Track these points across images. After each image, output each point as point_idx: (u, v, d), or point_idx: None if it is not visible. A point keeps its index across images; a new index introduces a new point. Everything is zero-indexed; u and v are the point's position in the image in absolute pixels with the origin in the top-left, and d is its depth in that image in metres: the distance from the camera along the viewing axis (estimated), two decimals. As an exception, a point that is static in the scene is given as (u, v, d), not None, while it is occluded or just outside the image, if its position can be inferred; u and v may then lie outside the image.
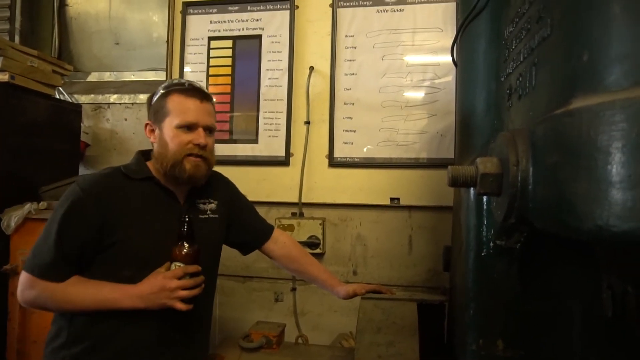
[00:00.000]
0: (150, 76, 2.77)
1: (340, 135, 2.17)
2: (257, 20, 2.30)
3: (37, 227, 1.93)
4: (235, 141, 2.29)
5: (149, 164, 1.33)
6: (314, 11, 2.24)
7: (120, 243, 1.21)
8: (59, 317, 1.24)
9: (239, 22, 2.32)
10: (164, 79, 2.42)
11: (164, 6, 2.57)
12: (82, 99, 2.70)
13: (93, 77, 2.87)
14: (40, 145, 2.20)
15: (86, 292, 1.17)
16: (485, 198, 0.91)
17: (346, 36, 2.19)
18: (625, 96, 0.42)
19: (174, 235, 1.22)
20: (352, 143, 2.16)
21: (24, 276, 1.17)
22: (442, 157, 2.05)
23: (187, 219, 1.23)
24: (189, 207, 1.36)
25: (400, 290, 2.07)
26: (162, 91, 1.31)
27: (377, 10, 2.16)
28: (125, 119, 2.65)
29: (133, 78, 2.80)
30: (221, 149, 2.27)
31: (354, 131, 2.16)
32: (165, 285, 1.16)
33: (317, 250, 2.12)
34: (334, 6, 2.20)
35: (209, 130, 1.31)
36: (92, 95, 2.72)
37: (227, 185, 1.54)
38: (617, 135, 0.42)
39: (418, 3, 2.12)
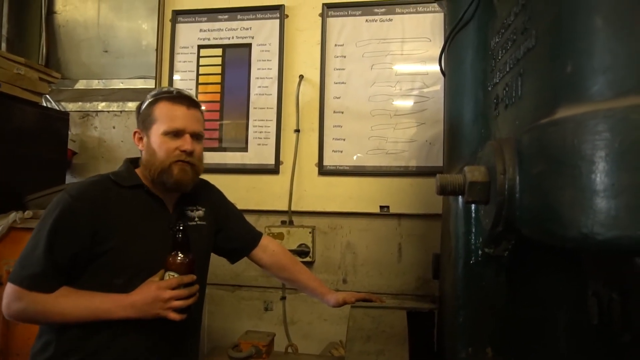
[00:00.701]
0: (139, 84, 2.76)
1: (330, 144, 2.18)
2: (247, 29, 2.31)
3: (22, 237, 1.89)
4: (224, 149, 2.28)
5: (138, 171, 1.32)
6: (304, 20, 2.26)
7: (112, 251, 1.19)
8: (46, 330, 1.21)
9: (228, 30, 2.33)
10: (153, 86, 2.41)
11: (153, 14, 2.57)
12: (70, 106, 2.67)
13: (81, 84, 2.84)
14: (26, 153, 2.17)
15: (78, 302, 1.15)
16: (473, 206, 0.92)
17: (336, 45, 2.21)
18: (608, 106, 0.43)
19: (163, 242, 1.22)
20: (341, 151, 2.17)
21: (10, 288, 1.13)
22: (431, 165, 2.07)
23: (182, 228, 1.21)
24: (178, 215, 1.35)
25: (389, 298, 2.06)
26: (150, 99, 1.31)
27: (366, 20, 2.19)
28: (114, 127, 2.63)
29: (122, 86, 2.78)
30: (211, 157, 2.26)
31: (344, 139, 2.17)
32: (159, 295, 1.15)
33: (307, 259, 2.11)
34: (323, 15, 2.22)
35: (196, 136, 1.31)
36: (80, 103, 2.69)
37: (215, 193, 1.53)
38: (600, 144, 0.43)
39: (407, 13, 2.15)
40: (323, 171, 2.18)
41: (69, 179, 2.53)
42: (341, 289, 2.13)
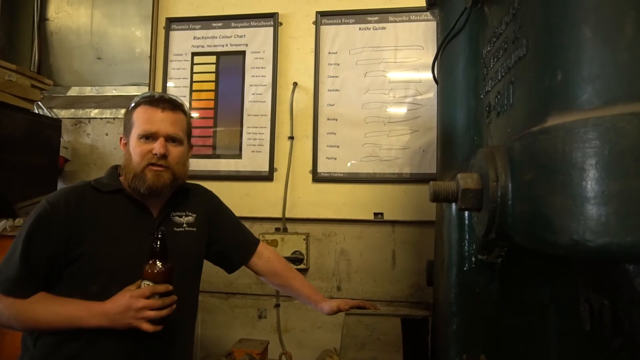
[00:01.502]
0: (132, 91, 2.75)
1: (324, 151, 2.18)
2: (241, 36, 2.32)
3: (12, 245, 1.88)
4: (218, 156, 2.28)
5: (122, 177, 1.31)
6: (298, 28, 2.27)
7: (86, 256, 1.17)
8: (25, 339, 1.21)
9: (222, 38, 2.34)
10: (147, 93, 2.40)
11: (147, 21, 2.57)
12: (62, 113, 2.66)
13: (73, 91, 2.83)
14: (17, 160, 2.15)
15: (51, 309, 1.13)
16: (466, 213, 0.92)
17: (329, 53, 2.22)
18: (597, 115, 0.44)
19: (145, 249, 1.17)
20: (335, 158, 2.18)
21: None
22: (425, 172, 2.08)
23: (159, 235, 1.17)
24: (162, 220, 1.32)
25: (384, 305, 2.06)
26: (132, 104, 1.31)
27: (360, 28, 2.20)
28: (106, 134, 2.62)
29: (115, 93, 2.77)
30: (204, 164, 2.26)
31: (338, 146, 2.18)
32: (131, 304, 1.11)
33: (301, 266, 2.11)
34: (317, 23, 2.23)
35: (172, 139, 1.28)
36: (73, 110, 2.68)
37: (209, 199, 1.51)
38: (590, 152, 0.44)
39: (400, 21, 2.17)
40: (317, 178, 2.18)
41: (61, 186, 2.50)
42: (335, 296, 2.13)
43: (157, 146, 1.24)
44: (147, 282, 1.15)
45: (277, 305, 2.18)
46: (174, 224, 1.34)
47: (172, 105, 1.31)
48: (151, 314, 1.12)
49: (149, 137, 1.25)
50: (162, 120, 1.27)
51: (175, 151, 1.29)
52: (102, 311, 1.13)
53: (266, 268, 1.55)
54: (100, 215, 1.22)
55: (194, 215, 1.39)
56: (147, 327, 1.12)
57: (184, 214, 1.38)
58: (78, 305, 1.14)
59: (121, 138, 1.34)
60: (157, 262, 1.16)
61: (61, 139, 2.48)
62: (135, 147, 1.25)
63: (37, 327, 1.14)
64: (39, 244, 1.15)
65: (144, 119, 1.26)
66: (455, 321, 0.95)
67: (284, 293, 1.86)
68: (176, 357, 1.33)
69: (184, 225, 1.36)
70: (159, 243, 1.16)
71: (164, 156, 1.25)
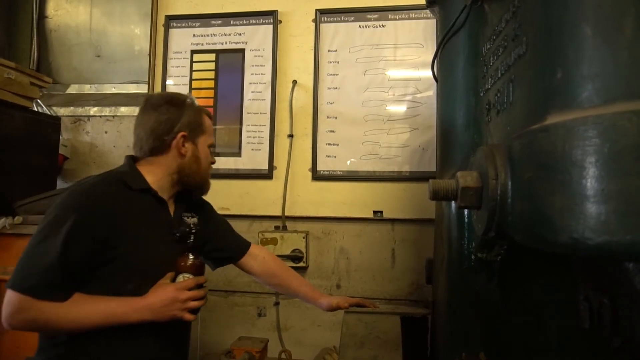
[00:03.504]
0: (131, 89, 2.75)
1: (324, 149, 2.18)
2: (241, 34, 2.31)
3: (12, 243, 1.87)
4: (218, 154, 2.27)
5: (142, 170, 1.28)
6: (297, 26, 2.26)
7: (123, 256, 1.16)
8: (51, 343, 1.14)
9: (222, 36, 2.33)
10: (146, 91, 2.40)
11: (146, 19, 2.56)
12: (61, 111, 2.65)
13: (73, 89, 2.83)
14: (17, 158, 2.15)
15: (93, 308, 1.10)
16: (466, 211, 0.92)
17: (329, 51, 2.22)
18: (597, 113, 0.44)
19: (167, 245, 1.24)
20: (335, 156, 2.17)
21: (15, 298, 1.04)
22: (424, 171, 2.08)
23: (193, 231, 1.26)
24: (177, 219, 1.34)
25: (383, 303, 2.06)
26: (195, 107, 1.34)
27: (359, 26, 2.20)
28: (106, 132, 2.61)
29: (114, 90, 2.77)
30: (203, 162, 2.26)
31: (337, 145, 2.18)
32: (177, 296, 1.17)
33: (301, 264, 2.11)
34: (316, 21, 2.23)
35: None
36: (72, 108, 2.67)
37: (203, 202, 1.53)
38: (590, 150, 0.43)
39: (399, 19, 2.17)
40: (316, 176, 2.18)
41: (60, 184, 2.50)
42: (335, 294, 2.13)
43: (214, 158, 1.41)
44: (186, 275, 1.21)
45: (277, 304, 2.18)
46: (185, 224, 1.36)
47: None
48: (194, 304, 1.19)
49: (211, 146, 1.39)
50: None
51: None
52: (146, 305, 1.14)
53: (262, 269, 1.56)
54: (132, 214, 1.21)
55: (197, 216, 1.41)
56: (189, 317, 1.19)
57: (190, 215, 1.40)
58: (119, 302, 1.13)
59: (184, 135, 1.29)
60: (191, 256, 1.23)
61: (60, 137, 2.47)
62: (207, 156, 1.36)
63: (77, 327, 1.09)
64: (80, 244, 1.09)
65: (211, 130, 1.40)
66: (454, 319, 0.95)
67: (282, 292, 1.87)
68: (186, 350, 1.37)
69: (191, 225, 1.38)
70: (192, 238, 1.25)
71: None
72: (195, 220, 1.40)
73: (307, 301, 1.58)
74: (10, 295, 1.05)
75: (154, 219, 1.27)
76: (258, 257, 1.56)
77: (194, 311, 1.20)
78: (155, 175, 1.28)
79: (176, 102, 1.31)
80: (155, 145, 1.27)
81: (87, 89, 2.81)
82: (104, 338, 1.13)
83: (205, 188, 1.38)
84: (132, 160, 1.31)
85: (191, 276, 1.21)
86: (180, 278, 1.20)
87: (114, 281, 1.15)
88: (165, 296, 1.16)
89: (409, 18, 2.16)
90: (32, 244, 1.10)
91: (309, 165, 2.18)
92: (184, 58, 2.36)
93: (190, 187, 1.33)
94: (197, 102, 1.39)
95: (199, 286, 1.22)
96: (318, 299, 1.52)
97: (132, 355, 1.17)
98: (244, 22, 2.32)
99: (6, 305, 1.05)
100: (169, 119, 1.27)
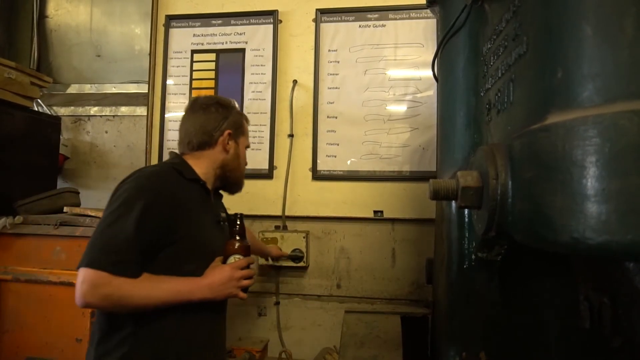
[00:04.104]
0: (132, 89, 2.75)
1: (324, 149, 2.18)
2: (241, 34, 2.31)
3: (12, 243, 1.87)
4: (218, 154, 2.28)
5: (190, 164, 1.39)
6: (297, 26, 2.26)
7: (186, 238, 1.25)
8: (103, 322, 1.20)
9: (222, 35, 2.33)
10: (146, 91, 2.40)
11: (146, 19, 2.56)
12: (62, 111, 2.66)
13: (73, 89, 2.83)
14: (17, 158, 2.15)
15: (161, 286, 1.18)
16: (466, 211, 0.92)
17: (329, 50, 2.22)
18: (597, 112, 0.44)
19: (215, 230, 1.38)
20: (335, 156, 2.17)
21: (91, 274, 1.10)
22: (425, 170, 2.08)
23: (240, 217, 1.36)
24: (215, 210, 1.47)
25: (383, 303, 2.06)
26: (237, 109, 1.50)
27: (360, 26, 2.20)
28: (106, 132, 2.62)
29: (114, 90, 2.77)
30: (204, 162, 2.26)
31: (337, 144, 2.18)
32: (233, 275, 1.27)
33: (301, 264, 2.11)
34: (317, 21, 2.23)
35: None
36: (72, 108, 2.68)
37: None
38: (590, 150, 0.43)
39: (400, 19, 2.16)
40: (317, 176, 2.18)
41: (60, 184, 2.51)
42: (335, 294, 2.13)
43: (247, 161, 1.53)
44: (237, 256, 1.31)
45: (277, 303, 2.18)
46: (218, 216, 1.47)
47: None
48: (247, 282, 1.31)
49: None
50: None
51: None
52: (207, 284, 1.24)
53: None
54: (189, 199, 1.31)
55: (226, 211, 1.56)
56: (242, 295, 1.30)
57: (222, 208, 1.56)
58: (184, 280, 1.22)
59: (229, 132, 1.42)
60: (240, 239, 1.34)
61: (61, 137, 2.48)
62: (244, 156, 1.50)
63: (147, 303, 1.15)
64: (151, 226, 1.17)
65: (248, 134, 1.53)
66: (454, 319, 0.95)
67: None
68: (225, 328, 1.46)
69: (221, 218, 1.48)
70: (239, 223, 1.35)
71: None
72: (223, 215, 1.51)
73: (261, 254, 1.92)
74: (86, 273, 1.10)
75: (204, 206, 1.38)
76: None
77: (245, 290, 1.31)
78: (201, 168, 1.39)
79: (224, 103, 1.46)
80: (204, 140, 1.40)
81: (88, 88, 2.81)
82: (169, 318, 1.21)
83: (241, 185, 1.51)
84: (180, 156, 1.43)
85: (242, 257, 1.31)
86: (231, 259, 1.30)
87: (175, 262, 1.23)
88: (223, 275, 1.26)
89: (410, 18, 2.16)
90: (104, 225, 1.16)
91: (309, 165, 2.18)
92: (184, 58, 2.36)
93: (229, 183, 1.46)
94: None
95: (249, 267, 1.33)
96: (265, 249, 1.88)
97: (194, 328, 1.27)
98: (244, 21, 2.32)
99: (82, 283, 1.10)
100: (217, 117, 1.42)
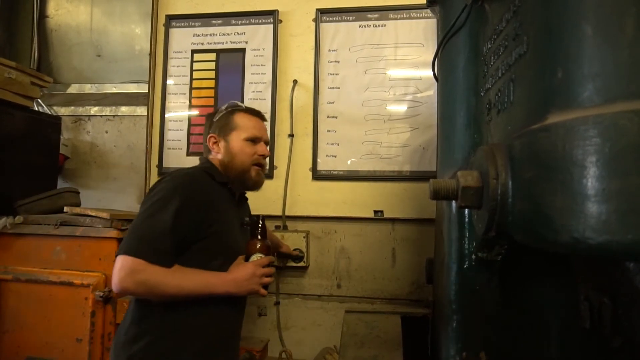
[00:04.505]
0: (132, 88, 2.75)
1: (324, 148, 2.18)
2: (241, 34, 2.31)
3: (13, 242, 1.87)
4: (218, 154, 2.28)
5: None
6: (298, 25, 2.26)
7: (214, 235, 1.33)
8: (137, 309, 1.29)
9: (222, 35, 2.33)
10: (146, 91, 2.40)
11: (146, 19, 2.56)
12: (62, 111, 2.66)
13: (73, 89, 2.83)
14: (17, 158, 2.15)
15: (191, 277, 1.26)
16: (466, 211, 0.92)
17: (329, 50, 2.21)
18: (597, 112, 0.44)
19: (240, 232, 1.46)
20: (335, 156, 2.17)
21: (129, 261, 1.18)
22: (425, 170, 2.08)
23: (262, 218, 1.44)
24: (239, 212, 1.54)
25: (384, 303, 2.06)
26: (224, 111, 1.53)
27: (360, 26, 2.20)
28: (106, 132, 2.62)
29: (115, 90, 2.77)
30: (204, 162, 2.26)
31: (338, 144, 2.17)
32: (255, 272, 1.34)
33: (301, 264, 2.11)
34: (317, 21, 2.23)
35: (267, 144, 1.57)
36: (72, 108, 2.68)
37: (247, 203, 1.73)
38: (591, 149, 0.43)
39: (400, 19, 2.16)
40: (317, 176, 2.18)
41: (60, 183, 2.51)
42: (335, 293, 2.13)
43: (264, 149, 1.52)
44: (259, 255, 1.38)
45: (277, 303, 2.18)
46: (242, 218, 1.55)
47: (263, 116, 1.60)
48: (268, 280, 1.38)
49: (254, 140, 1.50)
50: (262, 128, 1.56)
51: (267, 153, 1.56)
52: (232, 279, 1.31)
53: None
54: (219, 200, 1.40)
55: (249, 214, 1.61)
56: (263, 291, 1.37)
57: (246, 212, 1.62)
58: (211, 274, 1.30)
59: (212, 137, 1.51)
60: (261, 239, 1.41)
61: (61, 137, 2.48)
62: (243, 147, 1.48)
63: (179, 293, 1.23)
64: (183, 220, 1.25)
65: (249, 124, 1.51)
66: (455, 319, 0.95)
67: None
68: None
69: (247, 220, 1.56)
70: (261, 224, 1.43)
71: (265, 157, 1.53)
72: (247, 218, 1.59)
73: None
74: (124, 260, 1.19)
75: (231, 208, 1.48)
76: None
77: (265, 287, 1.38)
78: (225, 172, 1.49)
79: (215, 111, 1.57)
80: (206, 149, 1.55)
81: (88, 88, 2.81)
82: (196, 309, 1.29)
83: (246, 178, 1.48)
84: (210, 161, 1.52)
85: (263, 256, 1.38)
86: (254, 257, 1.37)
87: (204, 257, 1.32)
88: (246, 272, 1.33)
89: (410, 17, 2.16)
90: (142, 218, 1.26)
91: (310, 165, 2.18)
92: (184, 58, 2.36)
93: (236, 179, 1.47)
94: (244, 106, 1.57)
95: (269, 265, 1.39)
96: (281, 244, 1.96)
97: (219, 322, 1.35)
98: (245, 21, 2.32)
99: (120, 269, 1.18)
100: (206, 127, 1.55)
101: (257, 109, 1.61)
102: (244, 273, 1.33)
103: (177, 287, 1.23)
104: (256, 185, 1.53)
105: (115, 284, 1.19)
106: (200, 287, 1.26)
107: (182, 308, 1.27)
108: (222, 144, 1.50)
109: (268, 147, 1.59)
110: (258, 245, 1.40)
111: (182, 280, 1.24)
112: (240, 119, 1.52)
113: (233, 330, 1.44)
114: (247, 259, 1.38)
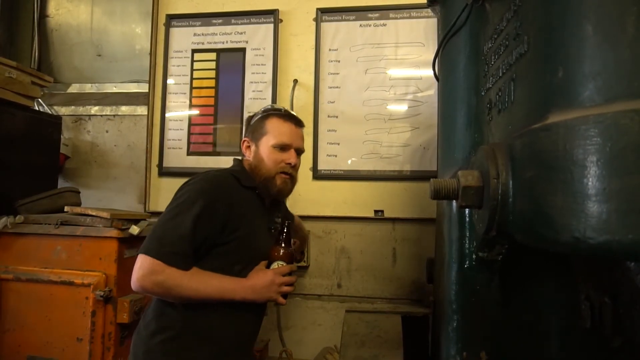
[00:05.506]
0: (132, 88, 2.75)
1: (324, 148, 2.18)
2: (241, 33, 2.31)
3: (13, 242, 1.87)
4: (218, 153, 2.28)
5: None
6: (298, 25, 2.26)
7: (238, 240, 1.31)
8: (159, 308, 1.28)
9: (222, 35, 2.33)
10: (147, 90, 2.40)
11: (147, 18, 2.56)
12: (62, 110, 2.66)
13: (74, 88, 2.83)
14: (18, 158, 2.15)
15: (208, 281, 1.24)
16: (467, 211, 0.92)
17: (330, 50, 2.21)
18: (598, 112, 0.44)
19: (266, 236, 1.42)
20: (336, 155, 2.17)
21: (148, 262, 1.19)
22: (425, 170, 2.08)
23: (288, 225, 1.41)
24: (269, 216, 1.50)
25: (384, 302, 2.06)
26: (261, 114, 1.49)
27: (360, 25, 2.20)
28: (107, 131, 2.62)
29: (115, 90, 2.77)
30: (204, 161, 2.26)
31: (338, 144, 2.17)
32: (275, 280, 1.31)
33: (302, 263, 2.11)
34: (317, 20, 2.23)
35: (299, 152, 1.49)
36: (73, 107, 2.68)
37: (286, 207, 1.70)
38: (591, 149, 0.43)
39: (400, 18, 2.16)
40: (317, 175, 2.18)
41: (61, 183, 2.51)
42: (335, 293, 2.13)
43: (292, 158, 1.44)
44: (280, 263, 1.35)
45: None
46: (274, 222, 1.51)
47: (299, 122, 1.51)
48: (287, 289, 1.34)
49: (283, 147, 1.43)
50: (294, 135, 1.47)
51: (299, 162, 1.49)
52: (250, 286, 1.29)
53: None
54: (244, 204, 1.38)
55: (280, 218, 1.53)
56: (282, 300, 1.34)
57: (278, 214, 1.55)
58: (230, 279, 1.28)
59: (244, 141, 1.50)
60: (285, 246, 1.38)
61: (61, 136, 2.47)
62: (270, 154, 1.42)
63: (195, 296, 1.22)
64: (204, 225, 1.24)
65: (279, 130, 1.44)
66: (455, 319, 0.95)
67: None
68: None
69: (275, 225, 1.51)
70: (286, 231, 1.40)
71: (294, 166, 1.45)
72: (279, 220, 1.53)
73: None
74: (144, 259, 1.19)
75: (259, 213, 1.45)
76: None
77: (285, 296, 1.35)
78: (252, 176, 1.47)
79: (251, 116, 1.54)
80: (240, 152, 1.54)
81: (88, 88, 2.81)
82: (216, 311, 1.28)
83: (270, 186, 1.42)
84: (242, 164, 1.50)
85: (285, 264, 1.35)
86: (274, 265, 1.34)
87: (226, 261, 1.30)
88: (266, 279, 1.31)
89: (410, 17, 2.16)
90: (165, 219, 1.26)
91: (310, 165, 2.18)
92: (184, 57, 2.36)
93: (261, 185, 1.42)
94: (283, 109, 1.51)
95: (290, 274, 1.36)
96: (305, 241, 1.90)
97: (238, 326, 1.34)
98: (245, 21, 2.32)
99: (139, 268, 1.19)
100: (243, 131, 1.54)
101: (257, 108, 1.59)
102: (263, 280, 1.31)
103: (194, 290, 1.22)
104: (280, 194, 1.46)
105: (133, 281, 1.20)
106: (217, 292, 1.25)
107: (202, 309, 1.27)
108: (253, 148, 1.48)
109: (300, 156, 1.51)
110: (280, 252, 1.37)
111: (200, 284, 1.23)
112: (272, 124, 1.45)
113: (250, 335, 1.42)
114: (268, 265, 1.37)
